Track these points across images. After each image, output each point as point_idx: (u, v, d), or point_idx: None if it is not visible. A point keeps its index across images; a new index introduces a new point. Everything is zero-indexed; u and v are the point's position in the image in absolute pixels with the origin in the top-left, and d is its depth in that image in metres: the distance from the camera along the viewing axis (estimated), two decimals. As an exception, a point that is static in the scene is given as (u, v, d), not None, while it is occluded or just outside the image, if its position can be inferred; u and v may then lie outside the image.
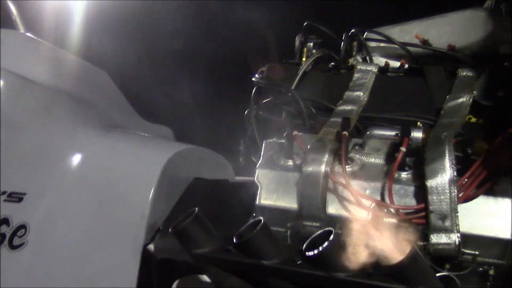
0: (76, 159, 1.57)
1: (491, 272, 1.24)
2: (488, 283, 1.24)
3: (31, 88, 1.55)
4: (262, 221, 1.15)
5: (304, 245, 1.10)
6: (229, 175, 1.99)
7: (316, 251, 1.04)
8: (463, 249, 1.23)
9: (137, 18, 3.42)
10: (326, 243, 1.05)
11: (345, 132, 1.34)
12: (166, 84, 3.50)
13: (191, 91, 3.22)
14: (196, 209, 1.23)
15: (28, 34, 1.99)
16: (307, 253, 1.06)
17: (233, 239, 1.17)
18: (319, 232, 1.11)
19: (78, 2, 2.84)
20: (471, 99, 1.44)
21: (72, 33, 2.74)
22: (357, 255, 1.07)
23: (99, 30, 3.17)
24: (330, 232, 1.08)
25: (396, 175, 1.33)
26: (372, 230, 1.08)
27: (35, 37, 1.87)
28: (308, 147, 1.38)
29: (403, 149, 1.29)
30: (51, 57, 1.58)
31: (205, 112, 3.13)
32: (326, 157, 1.33)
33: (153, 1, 3.39)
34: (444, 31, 1.64)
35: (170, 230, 1.22)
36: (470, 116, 1.48)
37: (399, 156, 1.29)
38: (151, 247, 1.55)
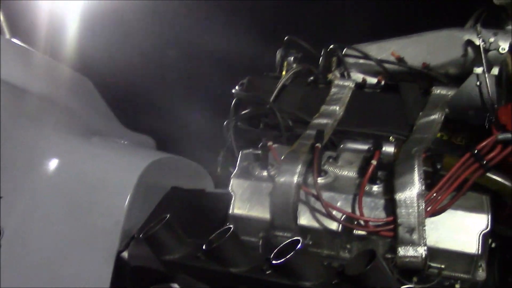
0: (53, 164, 1.58)
1: (457, 286, 1.26)
2: (453, 297, 1.26)
3: (10, 92, 1.56)
4: (232, 229, 1.17)
5: (272, 254, 1.12)
6: (208, 185, 2.01)
7: (281, 260, 1.06)
8: (429, 263, 1.25)
9: (130, 25, 3.44)
10: (292, 252, 1.07)
11: (318, 144, 1.36)
12: (155, 95, 3.52)
13: (179, 104, 3.25)
14: (168, 215, 1.24)
15: (12, 39, 2.00)
16: (273, 261, 1.07)
17: (203, 246, 1.18)
18: (287, 241, 1.13)
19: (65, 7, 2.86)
20: (443, 117, 1.48)
21: (60, 39, 2.76)
22: None
23: (90, 36, 3.19)
24: (298, 242, 1.10)
25: (367, 188, 1.36)
26: None
27: (19, 42, 1.88)
28: (282, 158, 1.40)
29: (374, 162, 1.32)
30: (32, 62, 1.60)
31: (189, 123, 3.16)
32: (299, 168, 1.35)
33: (148, 4, 3.41)
34: (420, 49, 1.67)
35: (141, 235, 1.23)
36: (443, 133, 1.51)
37: (370, 169, 1.31)
38: (125, 254, 1.55)
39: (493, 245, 1.42)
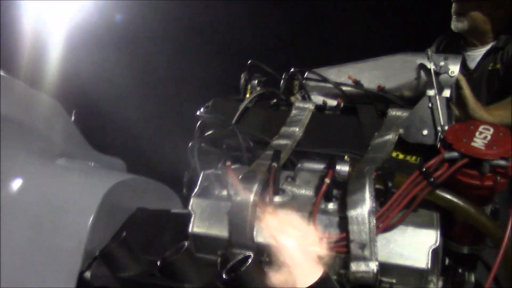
0: (17, 184, 1.59)
1: (408, 300, 1.29)
2: (404, 311, 1.29)
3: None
4: (185, 246, 1.19)
5: (224, 270, 1.14)
6: (176, 206, 2.03)
7: (230, 275, 1.08)
8: (381, 277, 1.28)
9: (104, 48, 3.48)
10: (242, 268, 1.09)
11: (274, 164, 1.41)
12: (128, 118, 3.55)
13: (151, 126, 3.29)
14: (124, 233, 1.26)
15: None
16: (223, 276, 1.10)
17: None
18: (239, 257, 1.16)
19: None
20: (397, 137, 1.54)
21: (35, 64, 2.79)
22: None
23: (66, 59, 3.23)
24: (248, 258, 1.13)
25: (323, 206, 1.40)
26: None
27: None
28: (240, 177, 1.44)
29: (327, 180, 1.36)
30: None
31: (161, 145, 3.19)
32: (255, 187, 1.38)
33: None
34: (376, 73, 1.75)
35: (97, 253, 1.24)
36: (398, 153, 1.57)
37: (323, 187, 1.36)
38: (87, 274, 1.56)
39: (447, 262, 1.46)
